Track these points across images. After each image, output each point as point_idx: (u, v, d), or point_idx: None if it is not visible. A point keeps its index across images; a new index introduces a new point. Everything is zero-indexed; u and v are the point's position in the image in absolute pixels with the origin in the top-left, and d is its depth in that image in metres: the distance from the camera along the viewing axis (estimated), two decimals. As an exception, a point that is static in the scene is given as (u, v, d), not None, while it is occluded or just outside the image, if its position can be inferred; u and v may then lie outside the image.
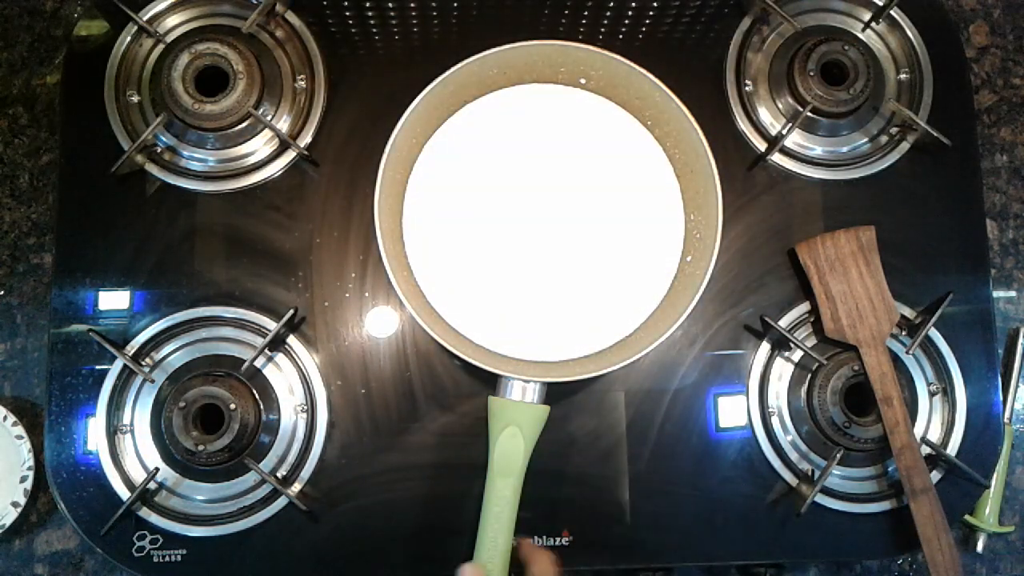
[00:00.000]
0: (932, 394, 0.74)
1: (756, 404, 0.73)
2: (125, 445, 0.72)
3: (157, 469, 0.70)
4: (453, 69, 0.65)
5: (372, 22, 0.78)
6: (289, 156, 0.75)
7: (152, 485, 0.71)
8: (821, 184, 0.77)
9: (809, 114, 0.75)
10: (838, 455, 0.71)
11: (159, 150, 0.75)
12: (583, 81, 0.70)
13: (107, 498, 0.70)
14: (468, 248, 0.69)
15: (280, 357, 0.73)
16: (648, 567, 0.73)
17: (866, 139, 0.78)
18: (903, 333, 0.75)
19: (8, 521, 0.72)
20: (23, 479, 0.73)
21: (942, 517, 0.69)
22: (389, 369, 0.73)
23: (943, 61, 0.79)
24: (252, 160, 0.75)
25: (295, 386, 0.73)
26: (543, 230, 0.69)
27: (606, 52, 0.67)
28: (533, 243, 0.69)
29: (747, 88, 0.78)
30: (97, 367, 0.72)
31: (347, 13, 0.78)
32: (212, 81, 0.73)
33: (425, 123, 0.69)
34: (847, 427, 0.70)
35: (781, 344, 0.74)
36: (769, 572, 0.74)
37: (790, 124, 0.76)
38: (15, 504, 0.73)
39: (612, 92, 0.71)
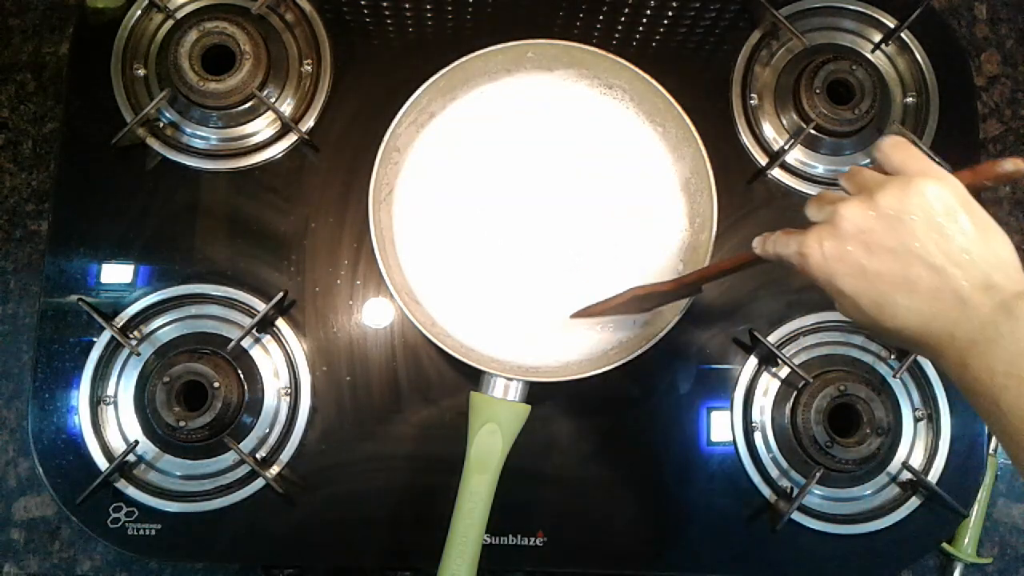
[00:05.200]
0: (917, 419, 0.74)
1: (740, 418, 0.73)
2: (107, 416, 0.72)
3: (137, 442, 0.70)
4: (456, 63, 0.66)
5: (384, 11, 0.78)
6: (290, 139, 0.75)
7: (131, 457, 0.71)
8: (820, 202, 0.76)
9: (812, 131, 0.75)
10: (818, 474, 0.71)
11: (162, 125, 0.75)
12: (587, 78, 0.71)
13: (86, 467, 0.70)
14: (459, 244, 0.69)
15: (267, 339, 0.73)
16: (620, 573, 0.72)
17: (868, 160, 0.78)
18: (891, 356, 0.75)
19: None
20: None
21: None
22: (375, 358, 0.73)
23: (951, 87, 0.78)
24: (253, 141, 0.76)
25: (280, 369, 0.73)
26: (537, 231, 0.69)
27: (616, 57, 0.67)
28: (526, 243, 0.69)
29: (752, 102, 0.78)
30: (85, 337, 0.72)
31: (360, 1, 0.78)
32: (219, 60, 0.73)
33: (426, 112, 0.69)
34: (829, 447, 0.70)
35: (769, 360, 0.74)
36: (742, 587, 0.73)
37: (793, 140, 0.76)
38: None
39: (633, 102, 0.71)
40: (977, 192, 0.45)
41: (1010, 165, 0.43)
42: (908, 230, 0.43)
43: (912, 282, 0.43)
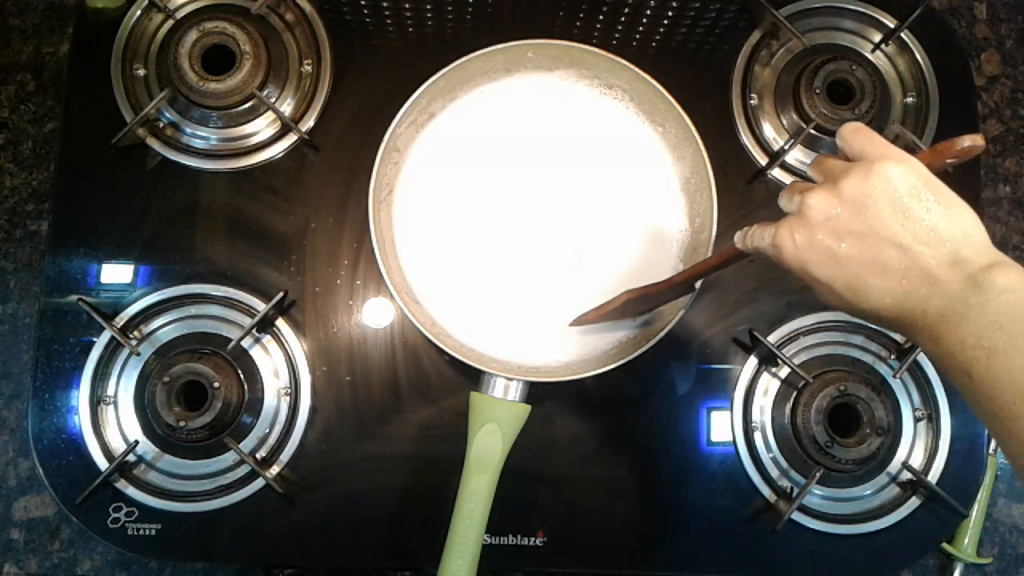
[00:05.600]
0: (917, 419, 0.74)
1: (740, 418, 0.73)
2: (107, 416, 0.72)
3: (137, 442, 0.70)
4: (456, 63, 0.66)
5: (384, 11, 0.78)
6: (290, 139, 0.75)
7: (131, 457, 0.71)
8: (820, 202, 0.76)
9: (812, 131, 0.75)
10: (818, 474, 0.71)
11: (161, 125, 0.75)
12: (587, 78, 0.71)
13: (86, 467, 0.70)
14: (459, 244, 0.69)
15: (268, 339, 0.73)
16: (620, 573, 0.72)
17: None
18: (892, 357, 0.75)
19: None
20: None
21: None
22: (375, 358, 0.73)
23: (951, 87, 0.78)
24: (253, 141, 0.76)
25: (280, 369, 0.73)
26: (537, 231, 0.69)
27: (614, 56, 0.67)
28: (526, 243, 0.69)
29: (752, 102, 0.78)
30: (85, 337, 0.72)
31: (360, 1, 0.78)
32: (219, 60, 0.73)
33: (426, 112, 0.69)
34: (829, 447, 0.70)
35: (769, 360, 0.74)
36: (742, 587, 0.73)
37: (793, 140, 0.76)
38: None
39: (633, 102, 0.71)
40: (940, 172, 0.45)
41: (967, 141, 0.44)
42: (873, 213, 0.44)
43: (882, 263, 0.44)
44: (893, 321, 0.45)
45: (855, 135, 0.47)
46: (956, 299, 0.42)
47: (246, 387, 0.71)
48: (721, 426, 0.73)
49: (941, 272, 0.43)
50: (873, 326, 0.75)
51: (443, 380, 0.73)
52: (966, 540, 0.77)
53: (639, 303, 0.64)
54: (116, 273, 0.73)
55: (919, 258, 0.43)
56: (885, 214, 0.44)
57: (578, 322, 0.67)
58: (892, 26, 0.78)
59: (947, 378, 0.45)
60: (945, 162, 0.46)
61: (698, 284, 0.63)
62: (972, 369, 0.42)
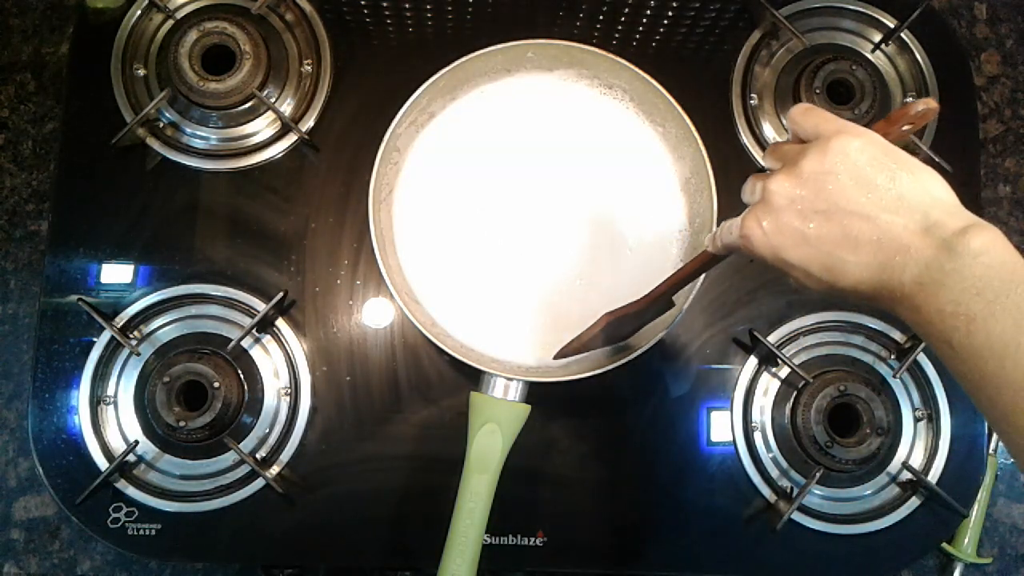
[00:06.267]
0: (917, 419, 0.74)
1: (740, 418, 0.73)
2: (107, 416, 0.72)
3: (137, 442, 0.70)
4: (456, 63, 0.66)
5: (384, 11, 0.78)
6: (290, 139, 0.75)
7: (131, 457, 0.71)
8: (820, 202, 0.76)
9: (812, 131, 0.75)
10: (818, 474, 0.70)
11: (162, 125, 0.75)
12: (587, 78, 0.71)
13: (86, 467, 0.70)
14: (459, 244, 0.69)
15: (267, 339, 0.73)
16: (620, 573, 0.72)
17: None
18: (892, 357, 0.75)
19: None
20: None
21: None
22: (375, 358, 0.73)
23: (951, 87, 0.78)
24: (253, 141, 0.76)
25: (280, 369, 0.73)
26: (537, 231, 0.69)
27: (614, 56, 0.67)
28: (526, 243, 0.69)
29: (752, 102, 0.78)
30: (85, 337, 0.72)
31: (360, 1, 0.78)
32: (219, 60, 0.73)
33: (426, 112, 0.69)
34: (829, 447, 0.70)
35: (769, 359, 0.74)
36: (742, 587, 0.73)
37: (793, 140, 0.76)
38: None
39: (633, 102, 0.71)
40: (901, 142, 0.45)
41: (921, 105, 0.44)
42: (836, 188, 0.43)
43: (853, 238, 0.43)
44: (873, 296, 0.44)
45: (806, 115, 0.46)
46: (932, 266, 0.41)
47: (246, 387, 0.71)
48: (721, 426, 0.73)
49: (913, 240, 0.42)
50: (873, 326, 0.75)
51: (443, 380, 0.73)
52: (966, 540, 0.77)
53: (621, 324, 0.62)
54: (116, 273, 0.73)
55: (890, 227, 0.42)
56: (848, 188, 0.43)
57: (562, 354, 0.65)
58: (892, 26, 0.78)
59: (931, 348, 0.43)
60: (901, 129, 0.45)
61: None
62: (952, 338, 0.41)
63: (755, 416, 0.74)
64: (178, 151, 0.75)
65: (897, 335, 0.75)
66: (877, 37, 0.79)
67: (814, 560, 0.72)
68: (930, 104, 0.44)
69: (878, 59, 0.79)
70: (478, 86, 0.70)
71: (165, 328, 0.73)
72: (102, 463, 0.70)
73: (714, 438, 0.73)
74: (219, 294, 0.73)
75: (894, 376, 0.73)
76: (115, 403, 0.72)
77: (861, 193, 0.43)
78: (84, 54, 0.76)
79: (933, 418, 0.74)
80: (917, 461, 0.74)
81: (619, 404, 0.73)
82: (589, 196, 0.70)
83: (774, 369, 0.74)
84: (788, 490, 0.72)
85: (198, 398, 0.69)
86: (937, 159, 0.74)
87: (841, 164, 0.43)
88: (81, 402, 0.71)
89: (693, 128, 0.66)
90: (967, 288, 0.40)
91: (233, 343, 0.70)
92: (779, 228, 0.45)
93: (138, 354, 0.71)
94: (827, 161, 0.43)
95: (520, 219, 0.69)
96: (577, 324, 0.66)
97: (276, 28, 0.77)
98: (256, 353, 0.73)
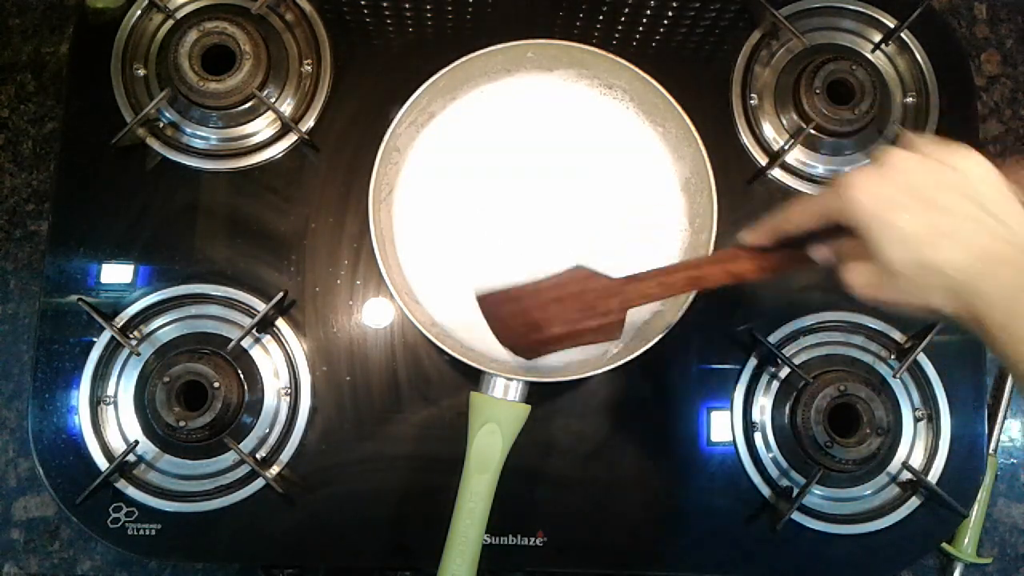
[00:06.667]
0: (917, 419, 0.74)
1: (740, 418, 0.73)
2: (107, 416, 0.72)
3: (137, 442, 0.70)
4: (456, 63, 0.66)
5: (384, 11, 0.78)
6: (290, 139, 0.75)
7: (131, 457, 0.71)
8: (820, 202, 0.76)
9: (812, 131, 0.75)
10: (818, 474, 0.70)
11: (162, 125, 0.75)
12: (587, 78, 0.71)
13: (86, 467, 0.70)
14: (459, 244, 0.69)
15: (267, 339, 0.73)
16: (620, 573, 0.72)
17: (868, 160, 0.77)
18: (892, 357, 0.75)
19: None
20: None
21: None
22: (375, 358, 0.73)
23: (951, 87, 0.78)
24: (253, 141, 0.76)
25: (280, 369, 0.73)
26: (537, 231, 0.69)
27: (614, 56, 0.67)
28: (525, 243, 0.69)
29: (752, 102, 0.78)
30: (85, 337, 0.72)
31: (360, 1, 0.78)
32: (219, 60, 0.73)
33: (426, 112, 0.69)
34: (829, 447, 0.70)
35: (769, 360, 0.74)
36: (742, 587, 0.73)
37: (793, 140, 0.76)
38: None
39: (633, 102, 0.71)
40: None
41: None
42: (958, 176, 0.44)
43: (958, 229, 0.43)
44: (957, 286, 0.44)
45: (921, 139, 0.47)
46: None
47: (246, 387, 0.71)
48: (721, 426, 0.73)
49: (1017, 256, 0.42)
50: (873, 326, 0.75)
51: (443, 380, 0.73)
52: (966, 540, 0.77)
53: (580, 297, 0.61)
54: (116, 273, 0.73)
55: (1009, 233, 0.43)
56: (966, 190, 0.44)
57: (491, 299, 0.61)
58: (892, 26, 0.79)
59: (1006, 366, 0.44)
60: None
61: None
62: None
63: (755, 416, 0.74)
64: (178, 151, 0.75)
65: (897, 335, 0.75)
66: (877, 37, 0.79)
67: (814, 560, 0.72)
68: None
69: (878, 59, 0.79)
70: (478, 86, 0.70)
71: (165, 328, 0.73)
72: (102, 463, 0.70)
73: (714, 438, 0.73)
74: (219, 294, 0.73)
75: (894, 376, 0.73)
76: (115, 403, 0.72)
77: (994, 196, 0.44)
78: (84, 54, 0.76)
79: (933, 418, 0.74)
80: (917, 461, 0.74)
81: (619, 404, 0.73)
82: (589, 196, 0.70)
83: (774, 369, 0.74)
84: (788, 490, 0.72)
85: (198, 398, 0.69)
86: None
87: (962, 163, 0.45)
88: (81, 402, 0.71)
89: (693, 128, 0.66)
90: None
91: (233, 343, 0.70)
92: (893, 188, 0.44)
93: (138, 354, 0.71)
94: (952, 156, 0.45)
95: (520, 219, 0.69)
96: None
97: (276, 28, 0.77)
98: (256, 353, 0.73)
